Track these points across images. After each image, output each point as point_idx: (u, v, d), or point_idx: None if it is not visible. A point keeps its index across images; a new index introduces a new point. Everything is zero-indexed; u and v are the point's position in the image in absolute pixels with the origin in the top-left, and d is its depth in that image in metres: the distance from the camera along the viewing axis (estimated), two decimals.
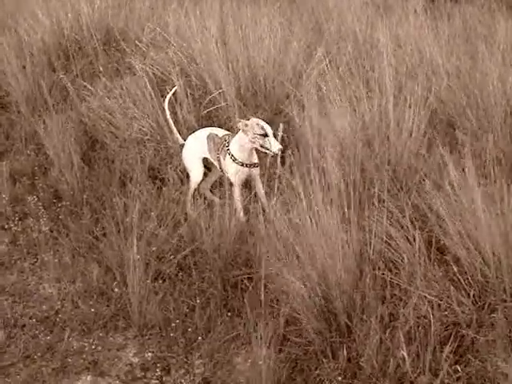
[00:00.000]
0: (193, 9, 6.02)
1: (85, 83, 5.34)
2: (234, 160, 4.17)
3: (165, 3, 6.43)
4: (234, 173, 4.19)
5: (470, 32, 5.68)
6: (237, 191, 4.19)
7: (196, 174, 4.37)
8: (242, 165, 4.17)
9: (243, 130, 4.11)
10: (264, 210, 4.00)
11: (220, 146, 4.26)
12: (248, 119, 4.17)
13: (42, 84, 5.47)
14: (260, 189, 4.23)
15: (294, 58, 5.13)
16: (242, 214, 4.13)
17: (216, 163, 4.35)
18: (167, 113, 4.58)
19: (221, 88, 4.84)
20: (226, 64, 5.00)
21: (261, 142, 4.06)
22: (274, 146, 4.04)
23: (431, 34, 5.38)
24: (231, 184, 4.19)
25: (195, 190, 4.37)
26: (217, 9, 5.76)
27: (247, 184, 4.35)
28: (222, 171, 4.32)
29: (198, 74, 5.03)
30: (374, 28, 5.62)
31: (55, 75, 5.72)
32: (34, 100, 5.60)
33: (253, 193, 4.26)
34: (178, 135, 4.55)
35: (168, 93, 4.70)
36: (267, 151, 4.09)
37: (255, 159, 4.22)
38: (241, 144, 4.15)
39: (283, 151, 4.12)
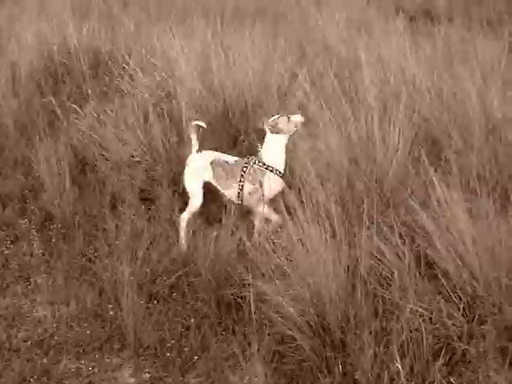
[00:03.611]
0: (177, 30, 6.10)
1: (74, 106, 5.38)
2: (279, 174, 4.19)
3: (150, 25, 6.52)
4: (274, 187, 4.16)
5: (450, 51, 5.82)
6: (261, 221, 4.16)
7: (196, 200, 4.30)
8: (282, 176, 4.20)
9: (272, 127, 4.19)
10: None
11: (244, 172, 4.20)
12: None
13: (31, 108, 5.51)
14: (259, 216, 4.20)
15: (279, 79, 5.22)
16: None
17: (228, 191, 4.26)
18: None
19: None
20: (210, 86, 5.07)
21: (292, 124, 4.23)
22: (300, 118, 4.26)
23: (413, 53, 5.51)
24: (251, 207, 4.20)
25: (192, 214, 4.30)
26: (201, 31, 5.84)
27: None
28: (238, 198, 4.23)
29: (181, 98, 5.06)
30: (357, 48, 5.74)
31: (44, 99, 5.76)
32: (23, 123, 5.63)
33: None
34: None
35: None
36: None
37: None
38: (277, 146, 4.21)
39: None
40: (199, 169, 4.30)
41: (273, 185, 4.17)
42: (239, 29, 6.02)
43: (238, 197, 4.23)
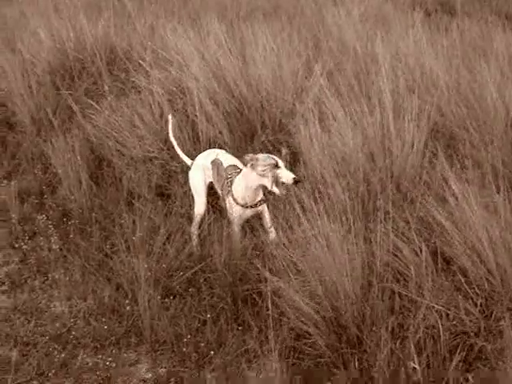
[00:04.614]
0: (192, 26, 6.11)
1: (91, 102, 5.41)
2: (238, 203, 3.99)
3: (165, 22, 6.52)
4: (235, 216, 4.00)
5: (467, 45, 5.77)
6: (236, 230, 4.02)
7: (199, 206, 4.24)
8: (247, 207, 4.01)
9: (251, 165, 3.89)
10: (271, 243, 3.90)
11: (223, 181, 4.10)
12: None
13: (47, 104, 5.55)
14: (267, 222, 4.05)
15: (295, 75, 5.20)
16: (238, 245, 3.95)
17: (219, 192, 4.21)
18: (172, 140, 4.52)
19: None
20: (224, 82, 5.06)
21: (271, 173, 3.83)
22: (288, 176, 3.83)
23: (430, 47, 5.47)
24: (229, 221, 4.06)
25: (200, 221, 4.22)
26: (217, 27, 5.84)
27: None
28: (223, 202, 4.16)
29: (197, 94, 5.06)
30: (373, 43, 5.71)
31: (60, 95, 5.80)
32: (40, 120, 5.67)
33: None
34: (185, 158, 4.48)
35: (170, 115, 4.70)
36: (275, 190, 3.88)
37: (260, 196, 4.02)
38: (247, 182, 3.94)
39: (297, 181, 3.89)
40: (202, 167, 4.28)
41: (232, 210, 4.02)
42: (255, 25, 6.00)
43: (222, 199, 4.18)
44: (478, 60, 5.11)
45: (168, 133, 4.60)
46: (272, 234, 4.01)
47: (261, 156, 3.94)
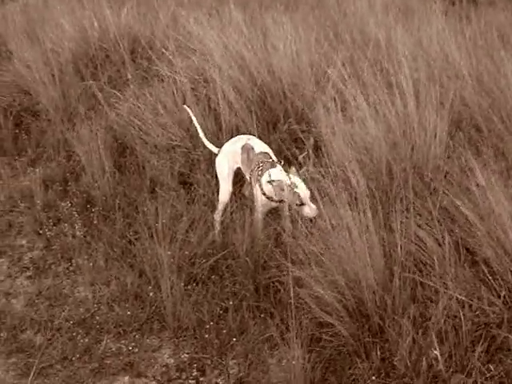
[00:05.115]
0: (215, 15, 6.12)
1: (114, 91, 5.44)
2: (264, 194, 3.99)
3: (187, 11, 6.53)
4: (260, 204, 4.02)
5: (491, 35, 5.71)
6: (260, 218, 4.05)
7: (224, 194, 4.22)
8: (272, 200, 4.01)
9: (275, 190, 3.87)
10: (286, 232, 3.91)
11: (254, 168, 4.08)
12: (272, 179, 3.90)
13: (71, 92, 5.59)
14: (286, 216, 4.06)
15: (316, 64, 5.19)
16: (260, 234, 3.99)
17: (247, 177, 4.21)
18: (198, 127, 4.52)
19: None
20: (247, 71, 5.06)
21: (296, 208, 3.83)
22: (311, 211, 3.79)
23: (453, 37, 5.42)
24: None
25: (223, 211, 4.23)
26: (239, 16, 5.83)
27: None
28: (250, 187, 4.20)
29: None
30: (396, 32, 5.66)
31: (83, 83, 5.84)
32: (64, 108, 5.72)
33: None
34: (211, 145, 4.47)
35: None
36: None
37: None
38: (275, 190, 3.91)
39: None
40: (231, 153, 4.26)
41: (258, 198, 4.02)
42: (276, 15, 5.98)
43: (249, 183, 4.20)
44: (501, 50, 5.05)
45: (192, 122, 4.59)
46: (288, 225, 4.02)
47: (287, 190, 3.83)
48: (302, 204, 3.82)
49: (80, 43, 6.13)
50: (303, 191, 3.82)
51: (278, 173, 3.97)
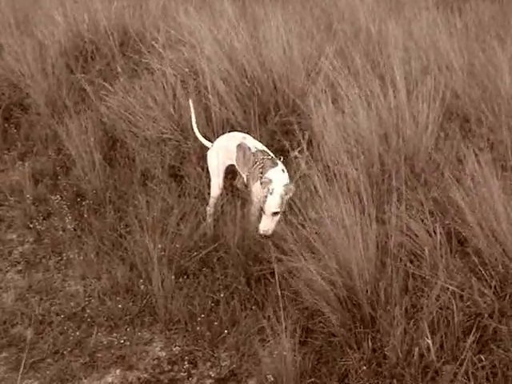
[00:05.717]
0: (204, 8, 6.09)
1: (104, 83, 5.41)
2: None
3: (177, 3, 6.49)
4: (257, 200, 3.99)
5: (481, 27, 5.71)
6: (255, 212, 4.04)
7: (215, 188, 4.25)
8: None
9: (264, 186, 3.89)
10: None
11: (252, 166, 4.07)
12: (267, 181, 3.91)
13: (61, 86, 5.55)
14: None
15: (307, 56, 5.17)
16: (256, 225, 3.95)
17: (243, 176, 4.22)
18: (194, 125, 4.50)
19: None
20: (237, 63, 5.04)
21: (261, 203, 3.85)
22: (262, 225, 3.79)
23: (443, 29, 5.41)
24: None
25: (215, 204, 4.25)
26: (229, 9, 5.80)
27: None
28: (245, 186, 4.20)
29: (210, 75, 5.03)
30: (387, 24, 5.65)
31: (73, 77, 5.80)
32: (53, 101, 5.68)
33: None
34: (204, 141, 4.46)
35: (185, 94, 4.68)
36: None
37: None
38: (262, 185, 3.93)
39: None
40: (224, 149, 4.25)
41: (257, 195, 4.01)
42: (267, 6, 5.95)
43: (245, 182, 4.20)
44: (492, 42, 5.05)
45: (190, 118, 4.55)
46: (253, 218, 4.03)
47: (261, 192, 3.88)
48: (263, 212, 3.81)
49: (70, 36, 6.08)
50: (269, 202, 3.79)
51: (277, 173, 3.95)
